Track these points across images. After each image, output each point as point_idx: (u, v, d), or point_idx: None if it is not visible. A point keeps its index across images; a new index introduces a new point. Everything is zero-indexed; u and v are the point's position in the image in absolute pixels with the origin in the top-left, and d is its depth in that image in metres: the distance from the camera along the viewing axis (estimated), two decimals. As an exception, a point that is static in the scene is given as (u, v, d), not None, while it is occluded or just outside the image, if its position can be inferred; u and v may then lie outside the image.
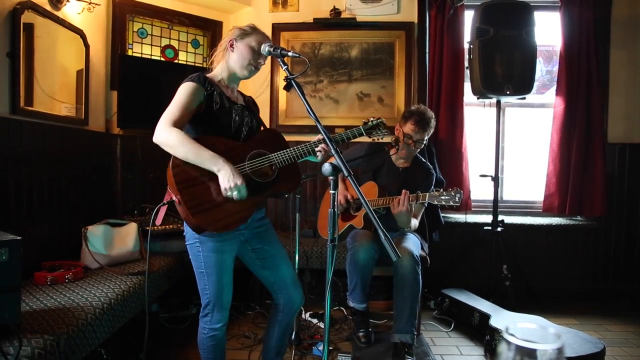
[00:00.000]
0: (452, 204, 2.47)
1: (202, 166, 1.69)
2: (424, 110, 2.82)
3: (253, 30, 1.91)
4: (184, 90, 1.76)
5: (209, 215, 1.71)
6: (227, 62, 1.90)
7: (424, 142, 2.83)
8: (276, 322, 2.03)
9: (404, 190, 2.57)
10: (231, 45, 1.89)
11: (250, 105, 2.03)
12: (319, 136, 1.85)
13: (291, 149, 1.86)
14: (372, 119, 2.10)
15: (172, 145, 1.68)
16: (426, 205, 2.79)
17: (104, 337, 2.01)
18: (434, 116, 2.85)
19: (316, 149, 1.89)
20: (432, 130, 2.84)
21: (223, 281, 1.83)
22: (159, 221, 1.82)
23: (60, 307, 1.94)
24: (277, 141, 1.91)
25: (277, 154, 1.83)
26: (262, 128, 2.03)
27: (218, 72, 1.93)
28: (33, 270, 2.34)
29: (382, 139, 2.12)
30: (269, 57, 1.89)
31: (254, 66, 1.88)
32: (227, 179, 1.67)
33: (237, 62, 1.87)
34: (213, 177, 1.71)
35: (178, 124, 1.71)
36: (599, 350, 2.38)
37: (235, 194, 1.68)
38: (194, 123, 1.81)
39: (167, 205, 1.78)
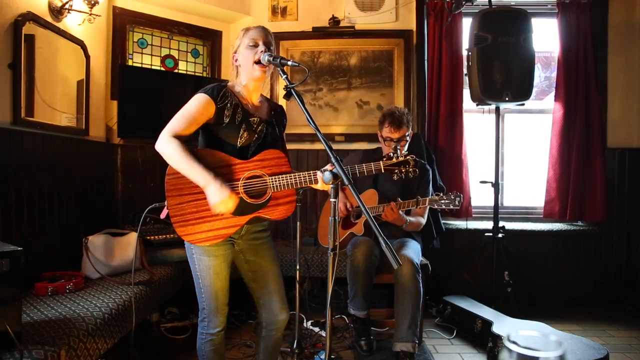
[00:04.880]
0: (452, 207, 2.50)
1: (191, 179, 1.71)
2: (393, 109, 2.88)
3: (244, 32, 1.89)
4: (195, 101, 1.78)
5: (190, 227, 1.75)
6: (239, 75, 1.90)
7: (407, 139, 2.86)
8: (260, 338, 2.03)
9: (392, 203, 2.63)
10: (235, 60, 1.90)
11: (276, 116, 1.98)
12: (328, 166, 1.71)
13: (290, 175, 1.79)
14: (394, 153, 1.86)
15: (168, 157, 1.71)
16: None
17: (105, 347, 2.00)
18: (407, 111, 2.91)
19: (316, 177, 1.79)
20: (410, 125, 2.88)
21: (216, 285, 1.84)
22: (163, 215, 1.85)
23: (61, 318, 1.93)
24: (280, 164, 1.83)
25: (274, 179, 1.79)
26: (279, 143, 1.97)
27: (237, 83, 1.91)
28: (34, 281, 2.33)
29: (405, 176, 1.85)
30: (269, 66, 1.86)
31: (256, 61, 1.79)
32: (214, 194, 1.67)
33: (245, 68, 1.85)
34: (202, 190, 1.73)
35: (181, 135, 1.73)
36: (602, 356, 2.37)
37: (221, 208, 1.69)
38: (203, 133, 1.84)
39: (165, 209, 1.80)
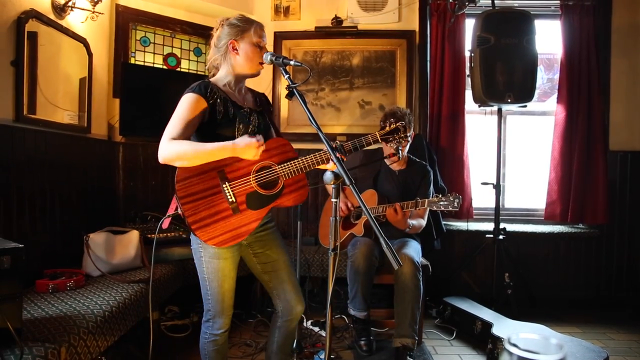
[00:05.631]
0: (451, 209, 2.50)
1: (215, 157, 1.70)
2: (395, 109, 2.89)
3: (247, 22, 1.84)
4: (185, 102, 1.74)
5: (210, 230, 1.73)
6: (232, 65, 1.86)
7: (409, 139, 2.85)
8: (276, 328, 2.02)
9: (397, 204, 2.63)
10: (234, 48, 1.84)
11: (262, 104, 1.98)
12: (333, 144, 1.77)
13: (298, 160, 1.80)
14: (387, 122, 1.99)
15: (178, 153, 1.65)
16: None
17: (105, 345, 2.00)
18: (409, 112, 2.93)
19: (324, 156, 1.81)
20: (412, 125, 2.90)
21: (224, 287, 1.83)
22: (165, 225, 1.84)
23: (62, 315, 1.94)
24: (285, 151, 1.84)
25: (283, 166, 1.80)
26: (272, 130, 1.97)
27: (222, 75, 1.88)
28: (35, 278, 2.33)
29: (400, 144, 1.99)
30: (271, 65, 1.84)
31: (262, 63, 1.83)
32: (244, 149, 1.68)
33: (246, 65, 1.83)
34: (216, 191, 1.73)
35: (180, 138, 1.70)
36: (602, 359, 2.36)
37: (258, 153, 1.71)
38: (198, 133, 1.81)
39: (170, 218, 1.80)
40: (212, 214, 1.73)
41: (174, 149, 1.65)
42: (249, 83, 1.99)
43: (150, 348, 1.91)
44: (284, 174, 1.80)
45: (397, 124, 1.96)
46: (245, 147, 1.68)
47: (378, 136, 1.90)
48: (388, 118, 2.87)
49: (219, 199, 1.74)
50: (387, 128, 1.95)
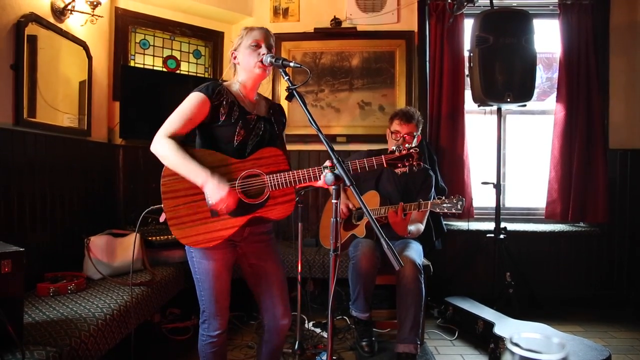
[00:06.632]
0: (454, 211, 2.49)
1: (189, 178, 1.69)
2: (406, 108, 2.92)
3: (246, 31, 1.88)
4: (190, 100, 1.77)
5: (186, 230, 1.73)
6: (237, 73, 1.90)
7: (414, 136, 2.83)
8: (263, 341, 2.01)
9: (400, 203, 2.60)
10: (234, 57, 1.89)
11: (274, 114, 1.97)
12: (326, 162, 1.64)
13: (288, 172, 1.75)
14: (398, 148, 1.77)
15: (163, 155, 1.70)
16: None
17: (107, 348, 2.00)
18: (419, 113, 2.93)
19: (322, 175, 1.73)
20: (420, 125, 2.88)
21: (216, 289, 1.83)
22: (162, 219, 1.82)
23: (63, 319, 1.94)
24: (277, 162, 1.79)
25: (271, 177, 1.75)
26: (278, 142, 1.95)
27: (234, 82, 1.91)
28: (36, 281, 2.33)
29: (407, 170, 1.76)
30: (271, 67, 1.84)
31: (260, 61, 1.79)
32: (213, 192, 1.65)
33: (246, 68, 1.84)
34: (198, 192, 1.72)
35: (177, 134, 1.73)
36: (604, 357, 2.36)
37: (221, 206, 1.67)
38: (199, 131, 1.84)
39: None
40: (190, 213, 1.73)
41: (162, 150, 1.70)
42: None
43: (132, 353, 1.91)
44: (271, 185, 1.75)
45: (411, 150, 1.74)
46: (211, 191, 1.65)
47: (384, 160, 1.75)
48: (397, 113, 2.85)
49: (200, 200, 1.73)
50: (397, 153, 1.74)
